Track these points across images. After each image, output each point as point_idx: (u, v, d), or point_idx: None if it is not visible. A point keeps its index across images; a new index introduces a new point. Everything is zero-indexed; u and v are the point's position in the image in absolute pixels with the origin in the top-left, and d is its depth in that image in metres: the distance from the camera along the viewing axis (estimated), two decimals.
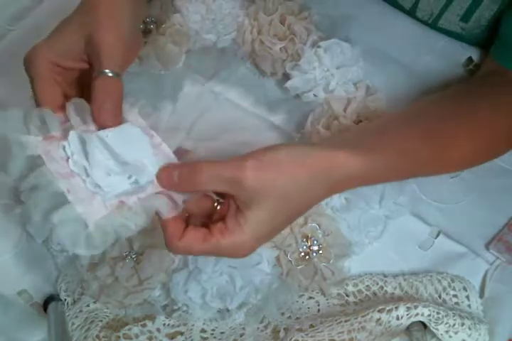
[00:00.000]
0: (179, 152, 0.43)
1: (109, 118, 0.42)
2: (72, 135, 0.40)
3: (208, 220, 0.43)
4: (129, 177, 0.40)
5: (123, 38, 0.44)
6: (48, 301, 0.52)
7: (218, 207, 0.42)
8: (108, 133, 0.40)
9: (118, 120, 0.42)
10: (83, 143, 0.39)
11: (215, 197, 0.43)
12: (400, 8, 0.65)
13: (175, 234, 0.40)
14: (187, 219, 0.42)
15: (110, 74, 0.43)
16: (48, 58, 0.44)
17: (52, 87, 0.44)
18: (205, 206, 0.43)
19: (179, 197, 0.41)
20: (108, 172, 0.39)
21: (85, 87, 0.47)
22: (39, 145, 0.39)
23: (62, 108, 0.42)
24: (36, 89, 0.44)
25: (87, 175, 0.39)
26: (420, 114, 0.51)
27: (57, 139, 0.40)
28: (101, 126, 0.41)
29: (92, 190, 0.39)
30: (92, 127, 0.42)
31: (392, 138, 0.46)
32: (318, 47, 0.59)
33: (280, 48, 0.60)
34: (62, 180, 0.38)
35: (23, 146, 0.39)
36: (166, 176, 0.41)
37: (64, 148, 0.40)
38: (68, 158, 0.39)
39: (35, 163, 0.39)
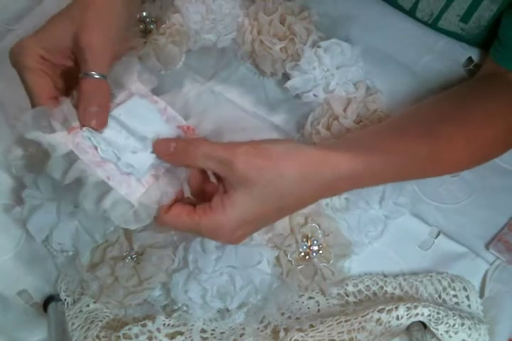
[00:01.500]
0: (183, 129, 0.45)
1: (95, 120, 0.42)
2: (86, 132, 0.42)
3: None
4: (152, 152, 0.43)
5: (110, 40, 0.44)
6: (48, 301, 0.52)
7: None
8: (120, 112, 0.43)
9: (104, 121, 0.43)
10: (102, 132, 0.43)
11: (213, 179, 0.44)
12: (400, 9, 0.65)
13: (163, 207, 0.42)
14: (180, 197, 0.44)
15: (96, 76, 0.43)
16: (35, 51, 0.43)
17: (42, 78, 0.44)
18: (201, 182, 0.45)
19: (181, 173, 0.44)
20: (133, 151, 0.43)
21: (72, 81, 0.46)
22: (67, 140, 0.42)
23: (56, 99, 0.43)
24: (28, 82, 0.43)
25: (118, 159, 0.42)
26: (418, 117, 0.51)
27: (80, 129, 0.43)
28: (87, 126, 0.43)
29: (125, 170, 0.42)
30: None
31: (387, 140, 0.46)
32: (318, 47, 0.59)
33: (280, 48, 0.60)
34: (98, 168, 0.42)
35: (53, 147, 0.41)
36: (163, 146, 0.42)
37: (89, 138, 0.42)
38: (96, 146, 0.42)
39: (70, 158, 0.42)
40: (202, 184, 0.45)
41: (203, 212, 0.41)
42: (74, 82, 0.45)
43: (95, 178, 0.42)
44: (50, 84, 0.44)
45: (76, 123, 0.43)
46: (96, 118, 0.42)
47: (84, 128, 0.42)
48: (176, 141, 0.42)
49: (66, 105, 0.43)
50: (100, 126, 0.42)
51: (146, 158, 0.43)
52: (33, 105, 0.43)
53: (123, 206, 0.42)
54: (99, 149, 0.42)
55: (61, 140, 0.41)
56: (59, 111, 0.42)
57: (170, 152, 0.42)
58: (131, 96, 0.45)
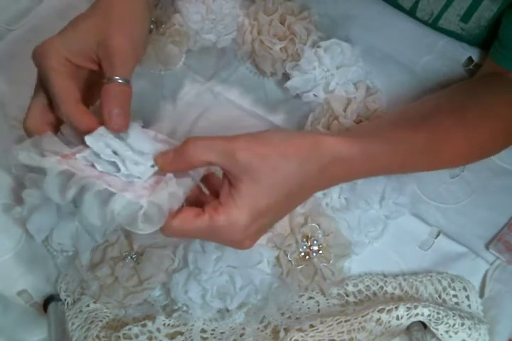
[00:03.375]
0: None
1: (120, 122, 0.43)
2: (89, 139, 0.41)
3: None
4: (152, 165, 0.42)
5: (135, 45, 0.45)
6: (48, 301, 0.52)
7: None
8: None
9: (126, 123, 0.43)
10: (101, 142, 0.42)
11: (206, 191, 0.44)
12: (400, 8, 0.65)
13: (169, 212, 0.40)
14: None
15: (120, 81, 0.43)
16: (61, 53, 0.44)
17: (67, 80, 0.44)
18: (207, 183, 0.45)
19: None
20: (135, 163, 0.41)
21: (93, 88, 0.48)
22: (61, 162, 0.41)
23: (79, 102, 0.44)
24: (54, 84, 0.44)
25: (118, 171, 0.41)
26: (418, 109, 0.51)
27: (72, 156, 0.42)
28: (111, 130, 0.43)
29: (127, 180, 0.41)
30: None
31: (386, 128, 0.47)
32: (318, 47, 0.59)
33: (280, 48, 0.60)
34: (98, 180, 0.40)
35: (47, 168, 0.40)
36: (161, 157, 0.42)
37: (85, 158, 0.41)
38: (92, 164, 0.41)
39: (66, 176, 0.40)
40: (198, 196, 0.45)
41: (213, 209, 0.39)
42: (94, 86, 0.47)
43: (96, 187, 0.39)
44: (75, 86, 0.45)
45: (68, 152, 0.42)
46: (119, 120, 0.43)
47: (86, 137, 0.42)
48: (173, 150, 0.41)
49: (53, 139, 0.43)
50: (122, 128, 0.43)
51: (146, 171, 0.42)
52: (60, 108, 0.44)
53: (130, 208, 0.39)
54: (96, 164, 0.41)
55: (55, 161, 0.40)
56: (48, 143, 0.42)
57: (169, 160, 0.41)
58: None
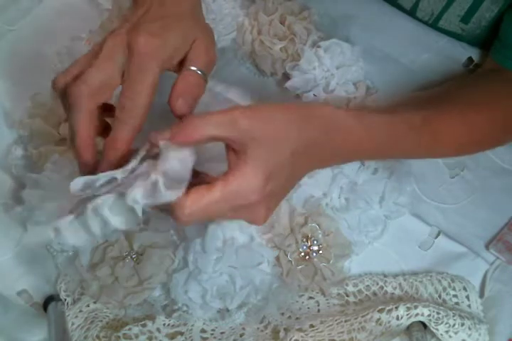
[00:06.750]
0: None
1: (185, 108, 0.43)
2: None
3: None
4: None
5: (214, 42, 0.47)
6: (48, 301, 0.52)
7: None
8: (100, 200, 0.38)
9: (190, 112, 0.43)
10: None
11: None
12: (400, 9, 0.65)
13: (179, 198, 0.37)
14: None
15: (199, 72, 0.44)
16: (162, 58, 0.44)
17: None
18: None
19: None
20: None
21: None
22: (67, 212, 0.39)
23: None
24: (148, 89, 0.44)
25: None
26: (417, 97, 0.53)
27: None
28: (176, 115, 0.43)
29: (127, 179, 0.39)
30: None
31: (382, 107, 0.48)
32: (318, 47, 0.59)
33: (280, 48, 0.60)
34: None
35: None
36: (158, 136, 0.39)
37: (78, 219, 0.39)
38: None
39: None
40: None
41: (223, 177, 0.38)
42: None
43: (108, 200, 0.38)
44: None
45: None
46: (186, 107, 0.43)
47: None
48: (171, 128, 0.39)
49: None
50: (186, 113, 0.43)
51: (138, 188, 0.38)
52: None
53: (148, 186, 0.37)
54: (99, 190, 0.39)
55: (63, 225, 0.39)
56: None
57: (167, 138, 0.39)
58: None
